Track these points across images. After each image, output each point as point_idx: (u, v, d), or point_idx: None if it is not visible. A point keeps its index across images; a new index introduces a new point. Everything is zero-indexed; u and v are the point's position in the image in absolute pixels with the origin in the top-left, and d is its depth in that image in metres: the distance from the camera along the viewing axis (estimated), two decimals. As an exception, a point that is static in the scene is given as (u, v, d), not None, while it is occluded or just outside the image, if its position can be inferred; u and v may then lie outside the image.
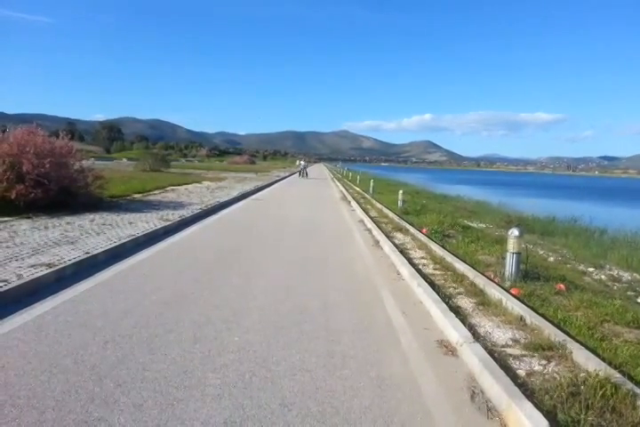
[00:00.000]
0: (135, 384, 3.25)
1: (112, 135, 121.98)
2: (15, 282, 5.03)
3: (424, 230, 11.10)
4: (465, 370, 3.70)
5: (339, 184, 32.49)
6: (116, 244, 7.54)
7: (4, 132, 12.26)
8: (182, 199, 15.13)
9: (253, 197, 19.52)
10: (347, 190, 26.05)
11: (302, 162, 44.51)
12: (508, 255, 6.49)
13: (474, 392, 3.33)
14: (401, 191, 17.03)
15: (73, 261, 6.23)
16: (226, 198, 16.15)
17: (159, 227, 9.41)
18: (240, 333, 4.30)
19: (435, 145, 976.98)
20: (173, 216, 10.88)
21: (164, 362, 3.62)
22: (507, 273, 6.52)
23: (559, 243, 11.86)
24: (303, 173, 41.13)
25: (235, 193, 18.54)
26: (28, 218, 9.40)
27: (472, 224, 14.25)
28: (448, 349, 4.10)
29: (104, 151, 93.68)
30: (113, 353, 3.73)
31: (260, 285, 6.02)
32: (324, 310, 5.08)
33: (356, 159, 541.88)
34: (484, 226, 14.41)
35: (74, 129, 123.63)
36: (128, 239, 7.95)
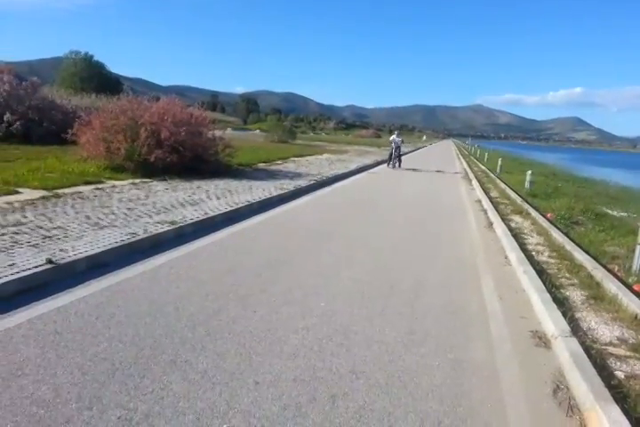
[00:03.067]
0: (223, 335, 3.56)
1: (249, 107, 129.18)
2: (141, 235, 5.71)
3: (549, 215, 10.24)
4: (554, 364, 3.43)
5: (463, 162, 31.04)
6: (234, 208, 8.13)
7: (157, 101, 13.68)
8: (301, 170, 15.67)
9: (371, 170, 19.51)
10: (470, 168, 24.81)
11: (395, 137, 22.08)
12: (638, 247, 5.76)
13: (558, 387, 3.09)
14: (529, 172, 15.77)
15: (193, 220, 6.86)
16: (343, 171, 16.38)
17: (274, 195, 9.91)
18: (327, 299, 4.44)
19: (583, 122, 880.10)
20: (289, 186, 11.36)
21: (253, 318, 3.90)
22: (634, 267, 5.81)
23: None
24: (394, 159, 21.71)
25: (353, 166, 18.69)
26: (164, 180, 10.51)
27: (610, 212, 12.78)
28: (541, 340, 3.82)
29: (241, 122, 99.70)
30: (210, 305, 4.10)
31: (359, 256, 6.10)
32: (416, 288, 5.01)
33: (489, 136, 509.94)
34: (625, 215, 12.84)
35: (216, 101, 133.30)
36: (244, 204, 8.52)
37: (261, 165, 16.26)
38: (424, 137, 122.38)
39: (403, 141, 22.84)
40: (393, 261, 6.05)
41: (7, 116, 14.89)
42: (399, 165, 21.50)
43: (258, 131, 54.63)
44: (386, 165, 21.73)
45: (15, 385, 2.71)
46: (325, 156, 24.37)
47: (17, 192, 7.67)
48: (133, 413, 2.54)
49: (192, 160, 11.64)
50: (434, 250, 6.83)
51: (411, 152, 39.53)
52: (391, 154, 21.62)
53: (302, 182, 12.22)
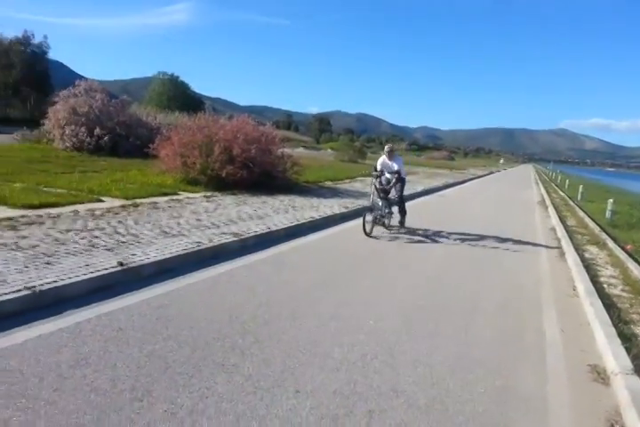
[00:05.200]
0: (271, 343, 3.68)
1: (322, 127, 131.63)
2: (206, 244, 6.03)
3: (628, 247, 9.60)
4: (611, 402, 3.22)
5: (541, 189, 29.74)
6: (296, 223, 8.34)
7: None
8: (367, 189, 15.66)
9: (439, 193, 19.21)
10: (549, 194, 23.73)
11: (385, 158, 9.20)
12: None
13: (612, 426, 2.90)
14: (611, 200, 14.86)
15: (257, 233, 7.13)
16: (408, 192, 16.25)
17: (337, 213, 10.06)
18: (376, 317, 4.44)
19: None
20: (353, 204, 11.47)
21: (301, 330, 4.00)
22: None
23: None
24: (380, 210, 8.73)
25: (419, 188, 18.50)
26: (233, 194, 11.00)
27: (703, 247, 11.72)
28: (600, 376, 3.60)
29: (314, 141, 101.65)
30: (262, 315, 4.25)
31: (415, 276, 6.04)
32: (471, 313, 4.89)
33: (574, 161, 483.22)
34: None
35: (291, 120, 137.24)
36: (307, 220, 8.71)
37: (328, 184, 16.53)
38: (501, 160, 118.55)
39: (400, 170, 9.13)
40: (450, 281, 5.93)
41: (97, 131, 16.28)
42: (402, 222, 9.59)
43: (329, 150, 55.45)
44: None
45: (79, 373, 2.97)
46: (394, 176, 24.31)
47: (100, 200, 8.36)
48: (179, 408, 2.70)
49: (260, 176, 12.10)
50: (496, 276, 6.61)
51: (481, 177, 38.59)
52: (373, 200, 8.81)
53: (366, 202, 12.26)
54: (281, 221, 8.29)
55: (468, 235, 9.47)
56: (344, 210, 10.48)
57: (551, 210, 16.00)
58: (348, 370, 3.37)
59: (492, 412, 3.02)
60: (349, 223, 9.63)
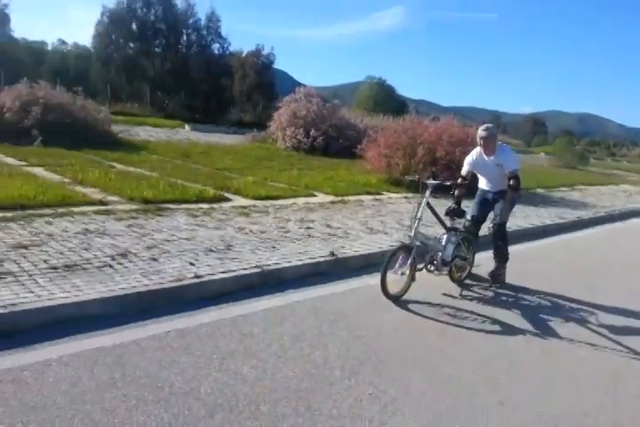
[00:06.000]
0: (477, 349, 3.60)
1: (535, 129, 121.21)
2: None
3: None
4: None
5: None
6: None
7: (436, 120, 14.38)
8: (588, 200, 13.96)
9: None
10: None
11: (482, 152, 5.12)
12: None
13: None
14: None
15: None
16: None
17: (551, 223, 9.22)
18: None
19: None
20: (570, 215, 10.33)
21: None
22: None
23: None
24: (438, 246, 5.06)
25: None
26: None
27: None
28: None
29: (525, 144, 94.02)
30: (463, 326, 4.18)
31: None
32: None
33: None
34: None
35: (499, 121, 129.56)
36: (514, 229, 8.15)
37: (540, 191, 15.17)
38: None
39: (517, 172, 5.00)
40: None
41: (313, 132, 17.91)
42: (496, 274, 5.40)
43: (542, 154, 50.32)
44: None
45: (297, 346, 3.36)
46: (624, 187, 21.04)
47: (314, 195, 9.20)
48: (382, 393, 2.85)
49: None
50: None
51: None
52: (415, 232, 4.78)
53: (587, 213, 10.93)
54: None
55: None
56: (560, 221, 9.53)
57: None
58: (561, 395, 3.09)
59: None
60: (569, 235, 8.80)
